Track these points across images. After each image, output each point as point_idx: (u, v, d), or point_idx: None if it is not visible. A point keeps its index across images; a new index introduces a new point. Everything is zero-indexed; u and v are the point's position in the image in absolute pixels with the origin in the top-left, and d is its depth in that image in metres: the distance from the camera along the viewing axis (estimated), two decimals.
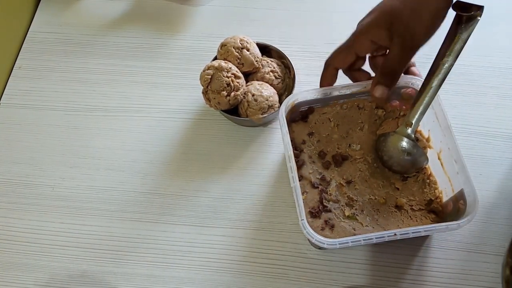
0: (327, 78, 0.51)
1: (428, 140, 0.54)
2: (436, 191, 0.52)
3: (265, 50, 0.64)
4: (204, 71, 0.58)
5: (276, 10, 0.72)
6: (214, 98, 0.57)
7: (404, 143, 0.50)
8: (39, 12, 0.74)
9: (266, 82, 0.60)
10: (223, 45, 0.60)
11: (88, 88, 0.67)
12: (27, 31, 0.73)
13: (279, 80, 0.61)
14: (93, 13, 0.74)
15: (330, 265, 0.54)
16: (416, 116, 0.49)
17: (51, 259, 0.56)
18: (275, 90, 0.60)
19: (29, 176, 0.62)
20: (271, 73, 0.61)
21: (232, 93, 0.57)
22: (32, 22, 0.73)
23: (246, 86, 0.59)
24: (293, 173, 0.47)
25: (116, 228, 0.58)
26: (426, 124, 0.54)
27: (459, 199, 0.48)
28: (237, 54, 0.59)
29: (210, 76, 0.57)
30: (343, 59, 0.50)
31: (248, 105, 0.58)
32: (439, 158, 0.52)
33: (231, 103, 0.58)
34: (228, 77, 0.57)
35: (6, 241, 0.58)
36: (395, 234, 0.45)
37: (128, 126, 0.64)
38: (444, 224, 0.45)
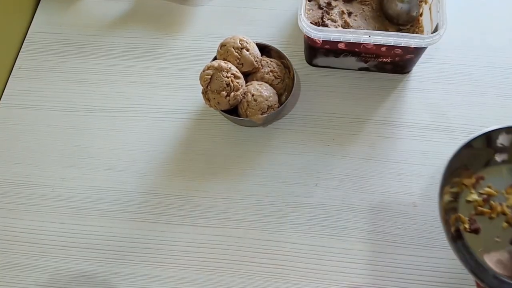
0: None
1: None
2: None
3: (265, 50, 0.64)
4: (203, 71, 0.58)
5: (276, 10, 0.72)
6: (214, 98, 0.57)
7: None
8: (39, 12, 0.74)
9: (266, 82, 0.60)
10: (222, 45, 0.60)
11: (88, 88, 0.67)
12: (27, 32, 0.73)
13: (278, 80, 0.61)
14: (93, 13, 0.73)
15: (330, 265, 0.54)
16: None
17: (51, 259, 0.56)
18: (275, 90, 0.60)
19: (29, 176, 0.62)
20: (270, 73, 0.61)
21: (232, 93, 0.57)
22: (32, 23, 0.73)
23: (246, 86, 0.59)
24: None
25: (116, 228, 0.58)
26: None
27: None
28: (236, 54, 0.59)
29: (209, 76, 0.57)
30: None
31: (248, 105, 0.58)
32: (429, 10, 0.60)
33: (231, 103, 0.57)
34: (227, 77, 0.57)
35: (6, 241, 0.58)
36: (369, 36, 0.54)
37: (127, 126, 0.64)
38: (418, 35, 0.55)
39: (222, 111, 0.59)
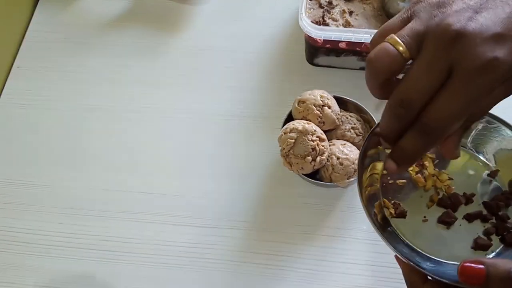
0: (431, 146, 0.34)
1: None
2: None
3: (340, 102, 0.58)
4: (284, 133, 0.53)
5: (277, 9, 0.72)
6: (297, 163, 0.52)
7: None
8: (38, 11, 0.74)
9: (347, 141, 0.55)
10: (301, 102, 0.55)
11: (88, 88, 0.67)
12: (26, 30, 0.72)
13: (360, 137, 0.56)
14: (93, 12, 0.73)
15: (330, 265, 0.54)
16: None
17: (51, 259, 0.56)
18: (357, 147, 0.55)
19: (28, 175, 0.61)
20: (352, 130, 0.56)
21: (318, 158, 0.52)
22: (31, 21, 0.73)
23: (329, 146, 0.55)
24: None
25: (116, 228, 0.58)
26: None
27: None
28: (318, 112, 0.54)
29: (293, 140, 0.52)
30: (461, 122, 0.32)
31: (333, 169, 0.53)
32: None
33: (316, 168, 0.53)
34: (313, 140, 0.52)
35: (6, 241, 0.58)
36: (371, 35, 0.50)
37: (128, 126, 0.64)
38: None
39: (304, 174, 0.54)
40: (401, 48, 0.31)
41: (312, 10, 0.62)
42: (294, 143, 0.52)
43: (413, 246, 0.46)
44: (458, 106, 0.29)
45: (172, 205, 0.59)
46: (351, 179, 0.53)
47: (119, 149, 0.62)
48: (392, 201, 0.49)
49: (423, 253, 0.46)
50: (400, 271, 0.54)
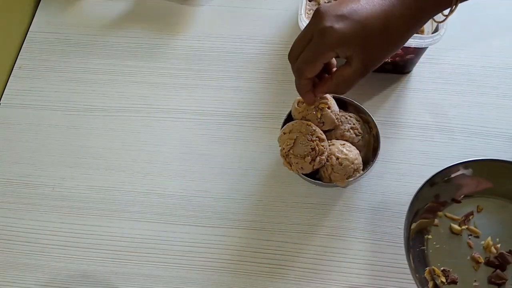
0: (305, 87, 0.48)
1: None
2: None
3: (339, 102, 0.57)
4: (284, 133, 0.53)
5: (276, 10, 0.72)
6: (297, 163, 0.52)
7: None
8: (39, 12, 0.74)
9: (346, 141, 0.55)
10: (301, 102, 0.55)
11: (88, 88, 0.67)
12: (27, 31, 0.73)
13: (359, 137, 0.56)
14: (93, 13, 0.73)
15: (330, 265, 0.55)
16: None
17: (51, 259, 0.56)
18: (356, 147, 0.55)
19: (29, 176, 0.62)
20: (351, 130, 0.56)
21: (317, 158, 0.52)
22: (32, 22, 0.73)
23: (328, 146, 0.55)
24: None
25: (116, 228, 0.58)
26: None
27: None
28: (317, 112, 0.54)
29: (293, 140, 0.52)
30: (315, 70, 0.45)
31: (333, 169, 0.53)
32: None
33: (315, 167, 0.53)
34: (313, 141, 0.52)
35: (6, 241, 0.58)
36: None
37: (128, 126, 0.64)
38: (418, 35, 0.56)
39: (303, 174, 0.54)
40: None
41: (311, 11, 0.62)
42: (293, 143, 0.52)
43: None
44: (309, 55, 0.44)
45: (172, 205, 0.59)
46: (350, 179, 0.53)
47: (119, 149, 0.63)
48: (442, 268, 0.51)
49: None
50: (400, 271, 0.54)
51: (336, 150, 0.53)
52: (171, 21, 0.72)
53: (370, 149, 0.57)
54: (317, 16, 0.43)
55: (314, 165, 0.52)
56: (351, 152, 0.53)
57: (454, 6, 0.43)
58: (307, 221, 0.57)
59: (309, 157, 0.52)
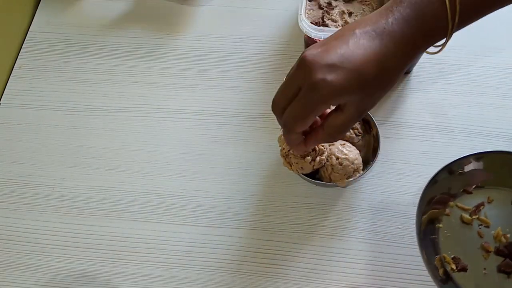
0: (296, 141, 0.44)
1: None
2: None
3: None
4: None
5: (276, 10, 0.72)
6: (297, 163, 0.52)
7: None
8: (39, 12, 0.74)
9: (346, 140, 0.56)
10: None
11: (88, 88, 0.67)
12: (27, 31, 0.73)
13: (359, 137, 0.56)
14: (93, 13, 0.74)
15: (330, 265, 0.55)
16: None
17: (52, 259, 0.56)
18: (355, 147, 0.55)
19: (29, 176, 0.62)
20: (351, 130, 0.56)
21: (317, 158, 0.52)
22: (32, 22, 0.73)
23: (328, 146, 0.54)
24: None
25: (116, 228, 0.58)
26: None
27: None
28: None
29: None
30: (306, 125, 0.42)
31: (333, 169, 0.53)
32: None
33: (315, 167, 0.53)
34: None
35: (6, 241, 0.58)
36: None
37: (128, 126, 0.64)
38: None
39: (303, 174, 0.54)
40: None
41: (311, 11, 0.62)
42: None
43: None
44: (299, 111, 0.40)
45: (172, 205, 0.59)
46: (350, 179, 0.53)
47: (119, 149, 0.63)
48: (452, 256, 0.52)
49: None
50: (400, 271, 0.54)
51: (336, 150, 0.53)
52: (171, 21, 0.72)
53: (370, 149, 0.57)
54: (304, 66, 0.39)
55: (314, 165, 0.52)
56: (351, 152, 0.53)
57: (449, 36, 0.40)
58: (307, 221, 0.57)
59: (309, 157, 0.52)
